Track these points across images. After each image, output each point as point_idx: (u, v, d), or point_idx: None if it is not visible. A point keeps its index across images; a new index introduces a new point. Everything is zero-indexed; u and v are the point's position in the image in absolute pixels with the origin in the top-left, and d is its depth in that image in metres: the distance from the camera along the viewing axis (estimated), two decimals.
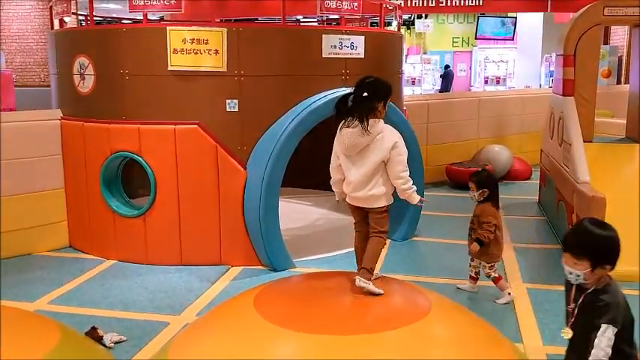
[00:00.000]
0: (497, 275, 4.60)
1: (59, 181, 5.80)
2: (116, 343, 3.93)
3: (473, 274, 4.76)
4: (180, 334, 3.46)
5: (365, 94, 3.43)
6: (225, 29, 5.12)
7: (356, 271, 3.59)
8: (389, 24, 14.19)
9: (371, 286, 3.37)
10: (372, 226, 3.61)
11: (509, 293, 4.58)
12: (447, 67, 20.83)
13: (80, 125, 5.58)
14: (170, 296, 4.74)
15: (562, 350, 3.81)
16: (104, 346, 3.85)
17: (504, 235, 6.28)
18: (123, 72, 5.28)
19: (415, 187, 3.64)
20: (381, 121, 3.51)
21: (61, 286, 4.97)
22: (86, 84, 5.53)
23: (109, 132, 5.36)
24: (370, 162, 3.49)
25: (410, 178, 3.58)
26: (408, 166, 3.57)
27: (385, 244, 3.84)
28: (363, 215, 3.69)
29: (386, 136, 3.50)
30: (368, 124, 3.41)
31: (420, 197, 3.69)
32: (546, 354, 3.78)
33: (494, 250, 4.58)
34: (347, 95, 3.55)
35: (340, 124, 3.57)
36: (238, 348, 2.92)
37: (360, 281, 3.39)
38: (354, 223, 3.79)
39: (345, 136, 3.51)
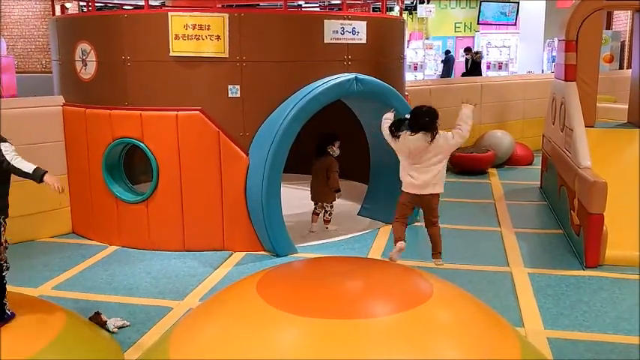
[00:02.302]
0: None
1: (62, 168, 5.81)
2: (120, 328, 3.96)
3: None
4: (183, 319, 3.49)
5: (427, 118, 4.47)
6: (227, 15, 5.10)
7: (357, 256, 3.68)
8: (391, 9, 14.12)
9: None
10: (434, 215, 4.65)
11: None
12: (447, 52, 20.73)
13: (82, 112, 5.58)
14: (173, 281, 4.77)
15: (562, 334, 3.86)
16: (108, 331, 3.89)
17: (507, 220, 6.33)
18: (125, 58, 5.27)
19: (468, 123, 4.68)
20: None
21: (65, 271, 5.00)
22: (88, 70, 5.52)
23: (111, 118, 5.36)
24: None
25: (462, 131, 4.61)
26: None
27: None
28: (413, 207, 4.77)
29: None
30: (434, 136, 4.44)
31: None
32: (547, 338, 3.80)
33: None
34: (402, 120, 4.59)
35: (401, 135, 4.55)
36: (241, 333, 2.94)
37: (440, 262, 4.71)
38: (403, 216, 4.70)
39: (410, 141, 4.48)
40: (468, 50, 18.18)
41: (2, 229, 3.43)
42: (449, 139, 4.49)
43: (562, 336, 3.84)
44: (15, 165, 3.36)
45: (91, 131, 5.54)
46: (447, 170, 5.38)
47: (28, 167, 3.39)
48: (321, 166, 5.86)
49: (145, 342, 3.78)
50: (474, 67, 17.07)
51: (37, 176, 3.38)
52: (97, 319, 3.94)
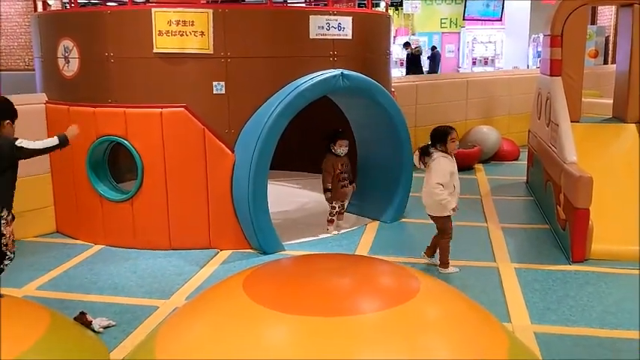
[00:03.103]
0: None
1: (45, 166, 5.74)
2: (105, 327, 3.92)
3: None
4: (169, 318, 3.46)
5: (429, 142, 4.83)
6: (211, 10, 5.05)
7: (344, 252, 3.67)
8: (377, 5, 14.10)
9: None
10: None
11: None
12: (433, 48, 20.74)
13: (65, 109, 5.51)
14: (159, 280, 4.73)
15: (549, 329, 3.88)
16: (93, 331, 3.85)
17: (494, 216, 6.35)
18: (108, 55, 5.22)
19: (443, 194, 4.71)
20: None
21: (49, 271, 4.94)
22: (71, 67, 5.46)
23: (94, 116, 5.30)
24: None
25: (438, 186, 4.70)
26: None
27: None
28: None
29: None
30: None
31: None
32: (534, 332, 3.81)
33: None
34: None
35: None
36: (228, 331, 2.92)
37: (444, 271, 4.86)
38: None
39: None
40: (407, 45, 18.22)
41: (2, 221, 3.63)
42: (432, 175, 4.73)
43: (549, 331, 3.86)
44: (39, 147, 3.71)
45: None
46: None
47: (52, 142, 3.78)
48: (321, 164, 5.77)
49: (131, 342, 3.74)
50: (413, 62, 17.01)
51: (64, 141, 3.83)
52: (82, 319, 3.90)
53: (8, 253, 3.74)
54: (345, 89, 5.49)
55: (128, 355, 3.47)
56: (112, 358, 3.56)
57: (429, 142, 4.83)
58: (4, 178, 3.69)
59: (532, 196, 7.15)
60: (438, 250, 4.95)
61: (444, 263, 4.86)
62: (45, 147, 3.82)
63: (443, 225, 4.85)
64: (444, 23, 23.61)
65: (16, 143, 3.70)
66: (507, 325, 3.85)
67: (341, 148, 5.67)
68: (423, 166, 4.82)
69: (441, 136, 4.76)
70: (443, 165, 4.69)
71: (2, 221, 3.66)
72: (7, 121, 3.81)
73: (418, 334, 2.89)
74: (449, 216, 4.80)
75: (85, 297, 4.44)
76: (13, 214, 3.80)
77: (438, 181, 4.65)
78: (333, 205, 5.83)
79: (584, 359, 3.50)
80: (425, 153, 4.78)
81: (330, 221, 5.87)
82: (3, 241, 3.68)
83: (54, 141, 3.84)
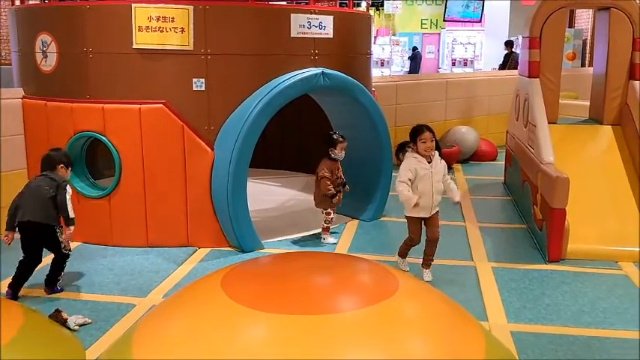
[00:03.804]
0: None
1: (22, 162, 5.65)
2: (81, 325, 3.88)
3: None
4: (146, 316, 3.43)
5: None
6: (192, 7, 5.02)
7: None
8: (358, 5, 14.14)
9: None
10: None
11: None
12: (414, 48, 20.85)
13: (43, 104, 5.44)
14: (136, 278, 4.69)
15: (525, 327, 3.92)
16: (69, 329, 3.81)
17: (472, 215, 6.40)
18: (86, 50, 5.16)
19: (403, 191, 4.51)
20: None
21: None
22: (49, 62, 5.38)
23: (72, 111, 5.24)
24: None
25: (400, 183, 4.54)
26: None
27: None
28: None
29: None
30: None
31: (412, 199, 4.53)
32: (510, 331, 3.85)
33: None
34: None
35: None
36: (205, 330, 2.90)
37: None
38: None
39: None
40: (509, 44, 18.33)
41: (58, 232, 4.37)
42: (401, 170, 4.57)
43: (525, 329, 3.90)
44: (67, 204, 4.29)
45: (52, 125, 5.40)
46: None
47: (71, 212, 4.34)
48: (316, 169, 5.48)
49: (108, 339, 3.71)
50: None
51: (70, 223, 4.36)
52: (58, 317, 3.85)
53: (69, 253, 4.47)
54: (326, 88, 5.50)
55: (104, 354, 3.43)
56: (88, 357, 3.52)
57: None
58: (53, 202, 4.29)
59: (510, 196, 7.23)
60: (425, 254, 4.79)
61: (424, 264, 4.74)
62: (68, 209, 4.32)
63: (407, 224, 4.73)
64: (425, 24, 23.74)
65: (61, 184, 4.31)
66: (484, 323, 3.88)
67: (341, 152, 5.45)
68: (397, 162, 4.72)
69: (412, 135, 4.60)
70: (406, 163, 4.53)
71: (58, 232, 4.35)
72: (61, 165, 4.42)
73: (396, 332, 2.90)
74: (412, 217, 4.63)
75: (61, 294, 4.39)
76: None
77: (399, 179, 4.51)
78: (329, 211, 5.55)
79: (559, 357, 3.55)
80: (400, 149, 4.67)
81: (327, 229, 5.61)
82: (62, 245, 4.39)
83: (71, 214, 4.35)
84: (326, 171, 5.40)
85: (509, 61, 13.48)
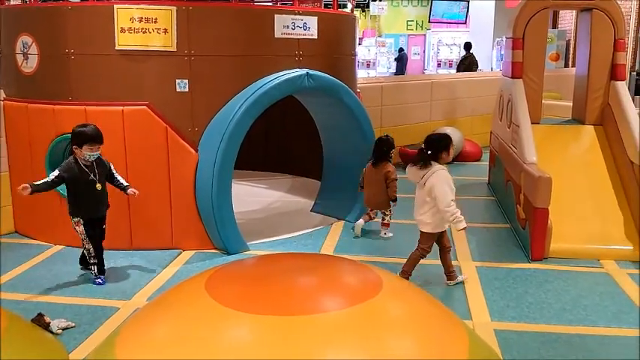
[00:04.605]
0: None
1: (3, 165, 5.61)
2: (64, 329, 3.85)
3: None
4: (130, 319, 3.41)
5: (429, 151, 4.40)
6: (175, 8, 5.00)
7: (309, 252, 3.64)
8: (344, 6, 14.16)
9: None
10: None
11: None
12: (400, 50, 20.96)
13: (24, 106, 5.39)
14: (120, 281, 4.66)
15: (509, 326, 3.94)
16: (52, 332, 3.78)
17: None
18: (68, 51, 5.12)
19: (457, 213, 4.30)
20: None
21: (7, 272, 4.82)
22: (30, 64, 5.34)
23: (54, 113, 5.20)
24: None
25: (451, 203, 4.29)
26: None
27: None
28: None
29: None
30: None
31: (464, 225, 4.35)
32: (494, 329, 3.87)
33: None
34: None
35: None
36: (189, 332, 2.88)
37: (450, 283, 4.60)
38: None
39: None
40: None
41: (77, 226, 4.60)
42: (434, 189, 4.28)
43: (508, 327, 3.92)
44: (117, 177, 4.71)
45: (33, 127, 5.36)
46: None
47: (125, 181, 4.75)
48: (378, 173, 5.59)
49: (91, 343, 3.68)
50: None
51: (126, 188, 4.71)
52: (40, 321, 3.82)
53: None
54: (311, 89, 5.50)
55: (88, 357, 3.41)
56: None
57: (427, 150, 4.37)
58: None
59: (493, 196, 7.27)
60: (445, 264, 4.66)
61: (405, 272, 4.58)
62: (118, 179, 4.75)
63: (430, 240, 4.51)
64: (410, 25, 23.86)
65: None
66: (468, 322, 3.90)
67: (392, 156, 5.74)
68: (417, 178, 4.40)
69: (442, 145, 4.35)
70: (445, 178, 4.30)
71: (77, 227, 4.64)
72: (75, 146, 4.49)
73: (380, 331, 2.90)
74: (435, 233, 4.48)
75: (44, 298, 4.36)
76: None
77: (449, 197, 4.26)
78: (390, 209, 5.77)
79: (542, 355, 3.57)
80: (426, 162, 4.35)
81: (388, 225, 5.78)
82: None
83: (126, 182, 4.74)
84: (395, 175, 5.59)
85: (465, 63, 13.49)
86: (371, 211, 5.84)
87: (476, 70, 13.22)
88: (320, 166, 6.60)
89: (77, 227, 4.61)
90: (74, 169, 4.47)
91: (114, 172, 4.70)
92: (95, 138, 4.45)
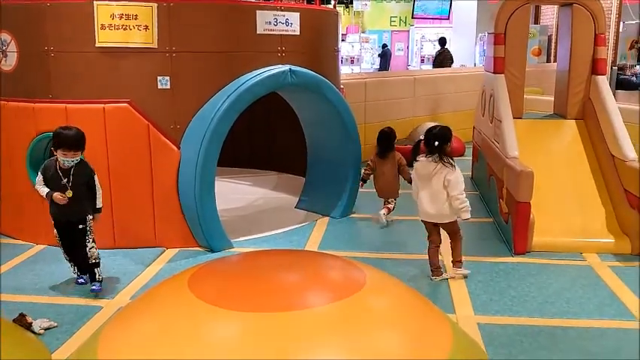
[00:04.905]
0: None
1: None
2: (46, 329, 3.82)
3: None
4: (112, 318, 3.38)
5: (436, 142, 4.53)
6: (155, 4, 4.96)
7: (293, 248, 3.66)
8: (327, 2, 14.15)
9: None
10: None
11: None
12: (384, 46, 21.00)
13: (3, 105, 5.33)
14: (103, 280, 4.61)
15: (492, 319, 3.97)
16: (34, 332, 3.74)
17: None
18: (48, 49, 5.06)
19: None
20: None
21: None
22: (9, 61, 5.27)
23: (34, 112, 5.14)
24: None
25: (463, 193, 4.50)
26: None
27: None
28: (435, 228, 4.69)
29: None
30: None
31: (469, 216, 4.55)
32: (477, 323, 3.90)
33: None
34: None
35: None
36: (172, 330, 2.87)
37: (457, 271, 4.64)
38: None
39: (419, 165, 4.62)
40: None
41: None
42: (451, 182, 4.47)
43: (492, 321, 3.95)
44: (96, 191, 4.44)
45: (13, 125, 5.30)
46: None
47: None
48: (391, 162, 6.00)
49: (74, 343, 3.65)
50: None
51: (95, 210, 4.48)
52: (22, 321, 3.78)
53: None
54: (294, 85, 5.49)
55: (70, 357, 3.39)
56: None
57: (434, 142, 4.50)
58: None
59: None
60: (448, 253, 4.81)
61: (459, 261, 4.67)
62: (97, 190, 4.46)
63: (455, 227, 4.65)
64: (394, 21, 23.89)
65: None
66: (452, 316, 3.92)
67: None
68: (428, 170, 4.51)
69: (446, 136, 4.55)
70: (458, 171, 4.53)
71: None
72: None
73: (364, 326, 2.91)
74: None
75: (26, 298, 4.31)
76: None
77: (462, 188, 4.49)
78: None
79: (525, 348, 3.60)
80: (440, 155, 4.51)
81: (390, 209, 6.09)
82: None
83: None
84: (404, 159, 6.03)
85: (440, 59, 13.46)
86: (386, 201, 6.05)
87: (450, 66, 13.18)
88: (304, 162, 6.60)
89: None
90: (50, 170, 4.30)
91: (96, 182, 4.40)
92: (70, 145, 4.19)
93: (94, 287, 4.37)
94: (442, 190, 4.47)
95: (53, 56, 5.06)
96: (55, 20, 5.04)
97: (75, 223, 4.36)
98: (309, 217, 6.21)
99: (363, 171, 6.18)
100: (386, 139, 6.08)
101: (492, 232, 5.74)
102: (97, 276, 4.38)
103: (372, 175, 6.14)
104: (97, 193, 4.41)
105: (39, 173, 4.35)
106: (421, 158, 4.60)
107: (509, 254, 5.15)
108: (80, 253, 4.41)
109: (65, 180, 4.26)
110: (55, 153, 4.27)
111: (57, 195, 4.21)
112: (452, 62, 13.57)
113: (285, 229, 5.85)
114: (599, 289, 4.44)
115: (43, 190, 4.30)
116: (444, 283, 4.56)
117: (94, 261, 4.38)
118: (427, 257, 4.68)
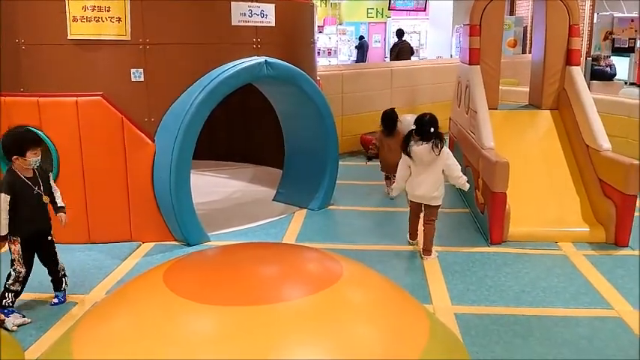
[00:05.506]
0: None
1: None
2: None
3: None
4: (86, 314, 3.33)
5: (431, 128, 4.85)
6: None
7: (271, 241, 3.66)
8: None
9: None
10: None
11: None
12: (361, 37, 20.98)
13: None
14: (78, 275, 4.56)
15: (469, 309, 4.00)
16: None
17: None
18: (19, 41, 4.96)
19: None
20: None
21: None
22: None
23: (5, 105, 5.04)
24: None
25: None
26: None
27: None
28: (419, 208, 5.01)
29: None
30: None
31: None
32: (454, 313, 3.92)
33: None
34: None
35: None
36: (147, 325, 2.83)
37: (427, 259, 4.84)
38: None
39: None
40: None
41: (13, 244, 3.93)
42: (451, 166, 4.83)
43: (469, 311, 3.98)
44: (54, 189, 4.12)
45: None
46: (359, 154, 5.47)
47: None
48: (396, 140, 6.19)
49: (48, 339, 3.61)
50: None
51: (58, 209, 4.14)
52: None
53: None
54: (270, 77, 5.45)
55: (43, 354, 3.34)
56: (28, 358, 3.40)
57: (430, 128, 4.80)
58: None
59: None
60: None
61: (429, 250, 4.90)
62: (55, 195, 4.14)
63: (437, 210, 4.95)
64: (371, 13, 23.85)
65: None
66: (429, 306, 3.94)
67: None
68: (429, 156, 4.76)
69: (435, 123, 4.87)
70: (450, 153, 4.89)
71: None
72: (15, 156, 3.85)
73: (341, 318, 2.90)
74: None
75: None
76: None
77: (459, 167, 4.86)
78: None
79: (501, 337, 3.63)
80: (437, 140, 4.78)
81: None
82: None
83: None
84: None
85: (396, 51, 13.26)
86: (392, 175, 6.19)
87: (409, 58, 13.02)
88: (281, 154, 6.57)
89: (13, 246, 3.90)
90: (16, 185, 3.80)
91: (52, 181, 4.11)
92: (36, 141, 3.89)
93: (56, 300, 4.14)
94: (441, 174, 4.80)
95: (24, 49, 4.96)
96: (26, 12, 4.94)
97: (45, 233, 4.05)
98: (287, 210, 6.19)
99: (369, 150, 6.99)
100: (390, 119, 6.65)
101: (469, 223, 5.78)
102: (63, 285, 4.18)
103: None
104: (55, 192, 4.09)
105: (2, 195, 3.76)
106: (419, 145, 4.78)
107: (485, 244, 5.19)
108: (51, 267, 4.13)
109: (36, 187, 3.91)
110: (15, 164, 3.83)
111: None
112: (411, 54, 13.28)
113: (262, 221, 5.82)
114: (574, 278, 4.50)
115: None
116: (421, 274, 4.58)
117: (63, 272, 4.19)
118: (403, 248, 4.71)
